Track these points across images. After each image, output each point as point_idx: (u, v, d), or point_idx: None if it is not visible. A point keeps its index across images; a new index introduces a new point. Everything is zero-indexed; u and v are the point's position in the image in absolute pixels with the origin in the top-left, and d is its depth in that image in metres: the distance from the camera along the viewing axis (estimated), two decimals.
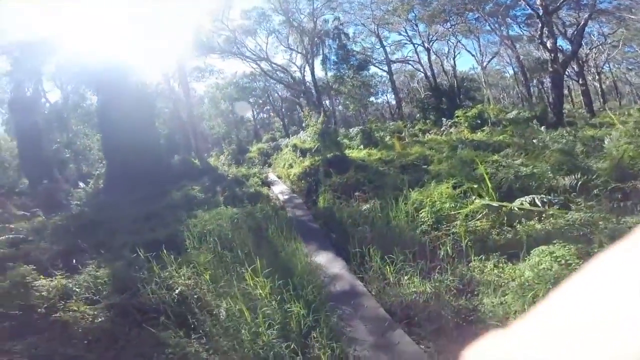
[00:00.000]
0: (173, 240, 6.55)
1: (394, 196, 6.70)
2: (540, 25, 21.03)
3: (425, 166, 9.65)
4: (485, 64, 37.02)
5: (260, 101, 53.99)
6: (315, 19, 28.53)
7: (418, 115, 36.36)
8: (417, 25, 32.78)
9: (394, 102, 65.65)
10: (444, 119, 25.08)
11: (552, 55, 21.25)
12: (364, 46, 33.44)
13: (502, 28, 30.26)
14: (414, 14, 31.28)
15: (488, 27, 32.66)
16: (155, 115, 21.14)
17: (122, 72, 17.21)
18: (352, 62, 30.18)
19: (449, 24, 31.82)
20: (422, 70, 39.01)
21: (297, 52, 31.17)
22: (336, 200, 7.92)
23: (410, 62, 39.76)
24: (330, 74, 30.98)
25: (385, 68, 34.23)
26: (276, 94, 49.11)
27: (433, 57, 36.69)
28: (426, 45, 34.44)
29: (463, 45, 36.28)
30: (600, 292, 0.23)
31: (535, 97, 32.32)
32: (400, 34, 34.57)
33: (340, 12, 30.56)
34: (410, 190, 6.99)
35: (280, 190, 12.80)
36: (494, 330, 0.27)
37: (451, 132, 22.04)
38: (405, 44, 35.50)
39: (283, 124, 46.81)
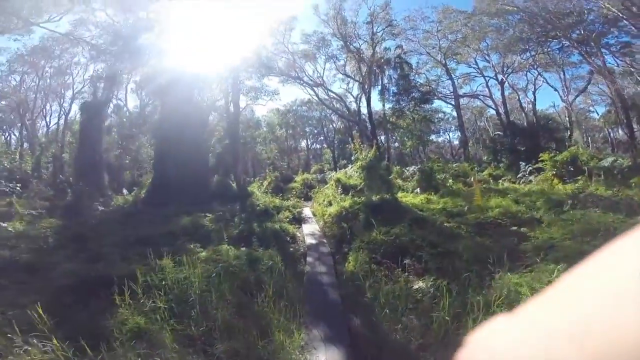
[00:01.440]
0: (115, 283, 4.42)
1: (472, 276, 3.87)
2: None
3: (516, 228, 6.49)
4: (571, 100, 31.90)
5: (315, 131, 53.73)
6: (374, 46, 27.04)
7: (485, 157, 32.08)
8: (489, 56, 29.61)
9: (456, 142, 61.35)
10: (522, 164, 20.99)
11: None
12: (428, 78, 30.92)
13: (593, 59, 25.67)
14: (486, 43, 28.29)
15: (574, 59, 28.37)
16: (208, 131, 20.84)
17: (184, 84, 17.48)
18: (413, 94, 27.70)
19: (528, 54, 28.07)
20: (493, 106, 35.06)
21: (355, 80, 29.74)
22: (373, 267, 5.16)
23: (480, 96, 36.17)
24: (388, 105, 28.84)
25: (452, 102, 31.14)
26: (331, 125, 48.35)
27: (508, 91, 32.94)
28: (500, 77, 30.85)
29: (545, 78, 32.00)
30: (606, 280, 0.23)
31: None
32: (469, 66, 31.61)
33: (403, 40, 28.82)
34: (500, 269, 4.07)
35: (310, 231, 10.41)
36: (499, 316, 0.27)
37: (530, 180, 18.07)
38: (475, 76, 32.27)
39: (333, 156, 45.25)
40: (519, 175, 20.15)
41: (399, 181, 16.94)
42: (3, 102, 34.52)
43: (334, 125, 47.46)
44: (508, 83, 32.09)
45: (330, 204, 14.16)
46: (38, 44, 26.92)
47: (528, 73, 31.42)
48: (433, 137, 48.14)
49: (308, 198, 19.52)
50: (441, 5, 26.95)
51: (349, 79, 30.88)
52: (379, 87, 28.84)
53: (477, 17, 25.53)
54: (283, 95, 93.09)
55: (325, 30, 27.98)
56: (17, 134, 38.63)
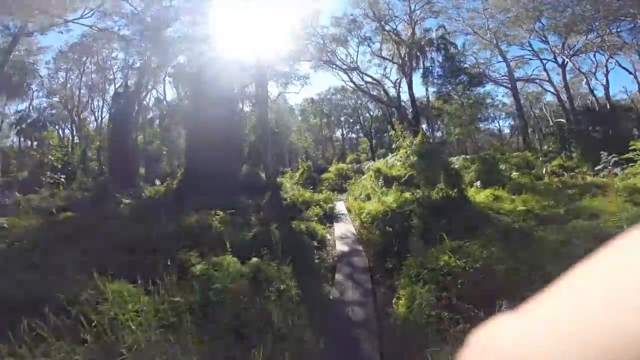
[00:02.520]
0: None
1: None
2: None
3: None
4: None
5: (351, 120, 51.29)
6: (413, 25, 24.02)
7: (547, 146, 27.92)
8: (545, 37, 25.30)
9: (506, 131, 55.55)
10: (603, 154, 17.32)
11: None
12: (477, 60, 27.24)
13: None
14: (541, 24, 24.12)
15: None
16: (238, 120, 19.76)
17: (212, 72, 16.72)
18: (462, 77, 24.34)
19: (593, 34, 23.54)
20: (553, 91, 30.36)
21: (393, 62, 26.96)
22: (445, 315, 3.09)
23: (536, 80, 31.52)
24: (432, 90, 25.76)
25: (507, 85, 27.24)
26: (367, 114, 45.66)
27: (570, 75, 28.29)
28: (561, 59, 26.35)
29: (617, 61, 26.94)
30: (610, 278, 0.23)
31: None
32: (522, 48, 27.36)
33: (445, 20, 25.44)
34: None
35: (342, 233, 8.56)
36: (502, 314, 0.27)
37: (616, 174, 14.68)
38: (530, 59, 27.93)
39: (370, 145, 42.59)
40: (599, 167, 16.60)
41: None
42: (55, 99, 36.29)
43: (371, 113, 44.74)
44: (574, 64, 27.46)
45: (368, 197, 12.14)
46: (77, 41, 27.43)
47: (596, 54, 26.80)
48: (481, 125, 43.84)
49: (343, 190, 17.61)
50: None
51: (386, 62, 28.21)
52: (421, 70, 25.86)
53: None
54: (316, 84, 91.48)
55: (356, 12, 25.49)
56: (69, 129, 40.91)
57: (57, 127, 42.26)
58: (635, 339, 0.19)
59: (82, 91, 34.80)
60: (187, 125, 20.63)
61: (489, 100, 31.61)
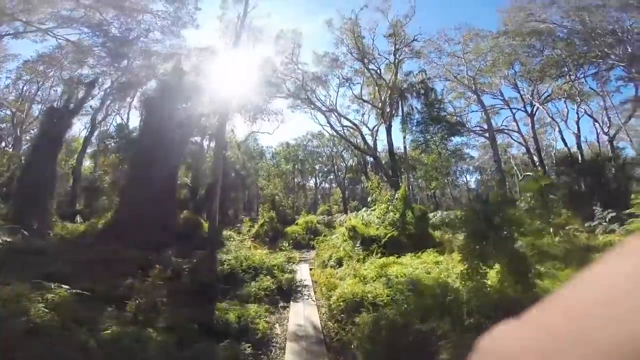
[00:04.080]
0: None
1: None
2: None
3: None
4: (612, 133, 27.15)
5: (325, 169, 49.75)
6: (397, 64, 23.40)
7: (526, 202, 26.81)
8: (516, 86, 25.70)
9: (472, 185, 55.88)
10: (596, 209, 15.62)
11: None
12: (454, 108, 26.86)
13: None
14: (513, 71, 24.46)
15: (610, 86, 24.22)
16: (179, 159, 16.92)
17: (168, 101, 14.77)
18: (440, 126, 23.38)
19: (562, 79, 24.05)
20: (522, 142, 30.38)
21: (373, 105, 25.94)
22: None
23: (505, 130, 31.60)
24: (410, 137, 24.58)
25: (484, 135, 26.60)
26: (342, 163, 44.31)
27: (537, 126, 28.48)
28: (531, 107, 26.58)
29: (585, 110, 27.67)
30: (610, 285, 0.23)
31: None
32: (494, 97, 27.55)
33: (426, 64, 25.21)
34: None
35: (299, 326, 5.42)
36: (508, 320, 0.27)
37: (613, 230, 12.82)
38: (501, 108, 28.00)
39: (343, 196, 40.39)
40: (594, 223, 14.70)
41: (436, 233, 11.96)
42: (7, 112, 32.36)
43: (346, 162, 43.46)
44: (547, 113, 27.79)
45: (339, 263, 9.18)
46: (47, 52, 24.54)
47: (563, 102, 27.46)
48: (452, 178, 43.47)
49: (311, 247, 14.57)
50: (465, 26, 23.70)
51: (364, 108, 27.29)
52: (399, 117, 24.87)
53: (506, 37, 22.06)
54: (293, 128, 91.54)
55: (338, 51, 24.86)
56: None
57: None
58: (635, 346, 0.19)
59: (35, 106, 31.30)
60: (130, 158, 17.76)
61: (466, 151, 31.07)
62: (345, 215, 19.89)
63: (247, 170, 28.85)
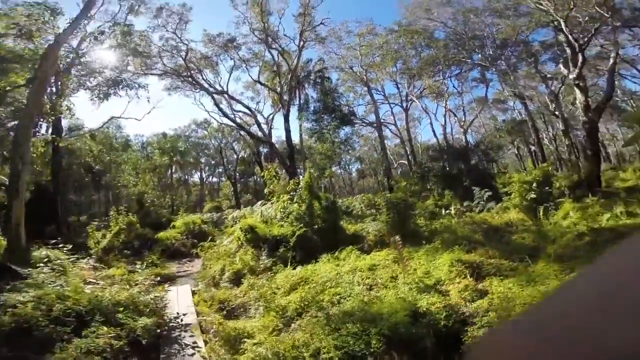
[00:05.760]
0: None
1: None
2: (579, 61, 15.25)
3: None
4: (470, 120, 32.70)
5: (213, 162, 44.77)
6: (301, 48, 21.80)
7: (411, 186, 29.33)
8: (397, 82, 27.89)
9: (354, 174, 60.00)
10: (475, 189, 17.10)
11: (585, 99, 14.84)
12: (347, 98, 27.13)
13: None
14: (395, 68, 26.27)
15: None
16: None
17: None
18: (336, 114, 22.87)
19: (438, 76, 27.27)
20: (397, 134, 33.45)
21: (271, 89, 23.72)
22: None
23: (385, 123, 34.32)
24: (307, 125, 23.34)
25: (373, 125, 27.61)
26: (233, 155, 40.41)
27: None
28: (408, 104, 29.42)
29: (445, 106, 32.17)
30: (606, 285, 0.23)
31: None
32: (377, 92, 29.35)
33: (325, 54, 24.48)
34: None
35: None
36: (501, 322, 0.28)
37: (490, 209, 14.08)
38: (382, 103, 30.01)
39: (234, 190, 36.83)
40: (474, 202, 16.00)
41: (348, 224, 10.61)
42: None
43: (237, 154, 39.72)
44: (421, 106, 31.00)
45: (237, 280, 6.68)
46: None
47: (432, 98, 31.07)
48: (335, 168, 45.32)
49: (195, 255, 11.39)
50: (366, 20, 24.19)
51: (260, 95, 24.84)
52: (296, 105, 23.33)
53: (396, 34, 23.28)
54: (174, 117, 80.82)
55: (237, 32, 21.99)
56: None
57: None
58: (630, 347, 0.20)
59: None
60: None
61: (356, 140, 31.87)
62: (238, 210, 17.06)
63: (105, 164, 22.55)
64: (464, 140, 32.12)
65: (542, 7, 16.00)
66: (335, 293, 4.70)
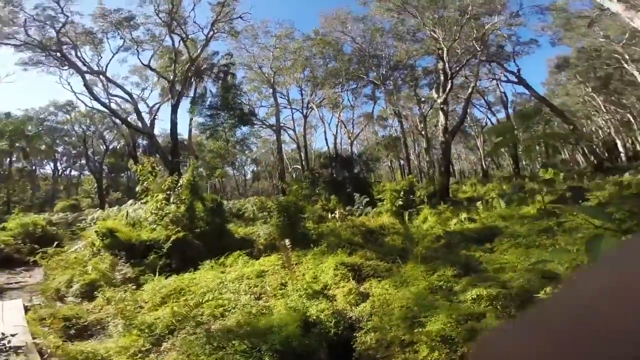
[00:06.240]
0: None
1: None
2: (448, 88, 18.85)
3: None
4: (356, 134, 36.14)
5: (74, 152, 36.77)
6: (208, 40, 19.85)
7: (303, 191, 30.16)
8: (301, 88, 28.83)
9: (248, 177, 58.90)
10: (356, 195, 18.80)
11: (445, 122, 18.60)
12: (250, 98, 26.32)
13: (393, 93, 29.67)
14: (303, 75, 27.15)
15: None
16: None
17: None
18: (235, 112, 21.65)
19: (338, 88, 29.27)
20: (295, 139, 34.50)
21: (162, 77, 20.85)
22: None
23: (285, 128, 34.98)
24: (200, 120, 21.40)
25: (273, 127, 27.38)
26: (101, 145, 33.94)
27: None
28: (307, 111, 30.68)
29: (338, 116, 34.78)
30: (609, 283, 0.24)
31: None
32: (282, 96, 29.70)
33: (236, 48, 23.16)
34: None
35: None
36: (500, 325, 0.27)
37: (367, 213, 15.76)
38: (285, 107, 30.49)
39: (99, 186, 30.98)
40: (355, 207, 17.59)
41: (241, 230, 10.10)
42: None
43: (107, 145, 33.57)
44: (319, 115, 32.45)
45: (89, 293, 5.41)
46: None
47: (329, 108, 33.10)
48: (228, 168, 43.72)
49: (34, 264, 8.89)
50: (287, 22, 24.05)
51: (147, 82, 21.56)
52: (189, 97, 21.18)
53: (315, 42, 23.95)
54: (30, 95, 63.37)
55: (138, 10, 18.70)
56: None
57: None
58: (635, 343, 0.20)
59: None
60: None
61: (253, 141, 31.10)
62: (100, 211, 14.32)
63: None
64: (350, 150, 35.27)
65: (434, 35, 18.83)
66: (218, 305, 4.24)
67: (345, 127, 35.38)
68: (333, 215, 15.30)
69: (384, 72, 25.38)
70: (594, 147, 34.34)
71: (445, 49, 17.39)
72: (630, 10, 10.56)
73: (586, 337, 0.21)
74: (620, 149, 32.23)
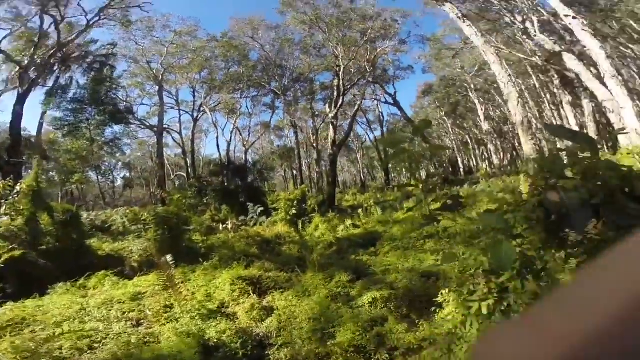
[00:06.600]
0: None
1: None
2: (339, 104, 20.49)
3: None
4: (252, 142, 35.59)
5: None
6: (89, 26, 15.91)
7: (187, 200, 27.27)
8: (195, 90, 26.67)
9: (119, 182, 50.62)
10: (250, 205, 18.34)
11: (334, 136, 20.42)
12: (129, 94, 22.74)
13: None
14: (199, 76, 25.29)
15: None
16: None
17: None
18: (106, 109, 18.04)
19: (242, 93, 28.19)
20: (181, 144, 31.50)
21: (13, 61, 15.77)
22: None
23: (169, 130, 31.58)
24: (57, 115, 17.07)
25: (154, 130, 24.18)
26: None
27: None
28: (204, 109, 28.54)
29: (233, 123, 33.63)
30: (609, 286, 0.24)
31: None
32: (169, 96, 26.78)
33: (123, 39, 19.56)
34: None
35: None
36: (504, 322, 0.28)
37: (262, 222, 15.68)
38: (172, 108, 27.69)
39: None
40: (249, 217, 17.15)
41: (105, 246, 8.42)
42: None
43: None
44: (212, 120, 30.35)
45: None
46: None
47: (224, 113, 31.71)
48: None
49: None
50: (192, 19, 21.82)
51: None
52: (46, 87, 16.69)
53: (220, 43, 22.28)
54: None
55: None
56: None
57: None
58: (635, 343, 0.20)
59: None
60: None
61: (127, 142, 26.82)
62: None
63: None
64: (244, 158, 34.24)
65: (336, 52, 19.99)
66: (82, 336, 3.32)
67: (240, 134, 34.31)
68: (225, 226, 14.42)
69: (286, 83, 25.79)
70: (443, 163, 42.76)
71: (342, 67, 18.91)
72: (486, 45, 13.42)
73: (586, 337, 0.21)
74: (460, 165, 40.83)
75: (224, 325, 3.38)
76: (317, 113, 28.44)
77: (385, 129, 36.38)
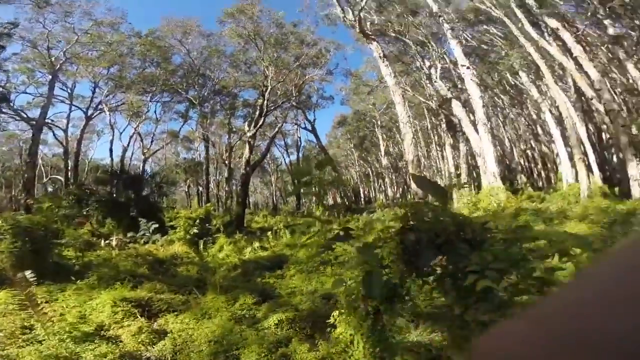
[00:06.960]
0: None
1: None
2: (260, 123, 20.43)
3: None
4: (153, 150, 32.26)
5: None
6: None
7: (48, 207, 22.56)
8: (97, 85, 23.27)
9: None
10: (142, 220, 16.32)
11: (249, 155, 20.28)
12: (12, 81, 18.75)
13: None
14: (107, 71, 22.41)
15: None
16: None
17: None
18: None
19: (152, 97, 25.48)
20: (64, 143, 26.59)
21: None
22: None
23: (50, 125, 26.43)
24: None
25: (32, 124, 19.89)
26: None
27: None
28: (104, 109, 24.87)
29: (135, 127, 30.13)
30: (608, 284, 0.24)
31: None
32: (62, 87, 22.84)
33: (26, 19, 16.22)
34: None
35: None
36: (506, 319, 0.27)
37: (155, 241, 14.24)
38: (62, 101, 23.51)
39: None
40: (140, 233, 15.25)
41: None
42: None
43: None
44: (108, 121, 26.49)
45: None
46: None
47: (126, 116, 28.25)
48: None
49: None
50: (120, 10, 19.36)
51: None
52: None
53: (142, 41, 19.95)
54: None
55: None
56: None
57: None
58: (632, 341, 0.20)
59: None
60: None
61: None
62: None
63: None
64: (142, 168, 30.42)
65: (266, 72, 19.82)
66: None
67: (142, 140, 30.63)
68: (108, 242, 12.55)
69: (205, 94, 24.44)
70: (347, 192, 45.98)
71: (269, 87, 19.01)
72: (396, 86, 15.07)
73: (585, 337, 0.21)
74: (362, 194, 44.43)
75: (104, 349, 2.89)
76: (234, 129, 27.64)
77: (301, 154, 37.48)
